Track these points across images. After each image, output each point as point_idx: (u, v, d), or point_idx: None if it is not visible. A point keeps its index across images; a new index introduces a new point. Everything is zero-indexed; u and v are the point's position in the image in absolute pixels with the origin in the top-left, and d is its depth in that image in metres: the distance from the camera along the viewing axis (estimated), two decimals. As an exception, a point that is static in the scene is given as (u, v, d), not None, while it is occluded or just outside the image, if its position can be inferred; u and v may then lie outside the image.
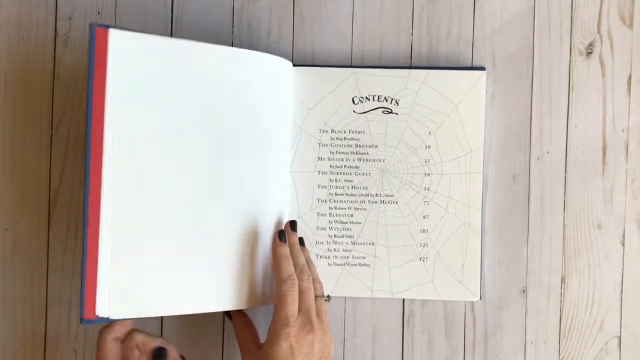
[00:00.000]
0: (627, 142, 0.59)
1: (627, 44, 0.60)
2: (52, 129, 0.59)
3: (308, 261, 0.55)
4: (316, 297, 0.53)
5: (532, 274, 0.59)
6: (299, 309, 0.51)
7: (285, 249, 0.53)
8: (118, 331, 0.49)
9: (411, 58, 0.59)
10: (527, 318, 0.59)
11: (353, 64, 0.59)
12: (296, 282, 0.51)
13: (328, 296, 0.54)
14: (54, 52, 0.59)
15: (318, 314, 0.52)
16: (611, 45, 0.59)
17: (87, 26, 0.59)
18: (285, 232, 0.54)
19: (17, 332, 0.58)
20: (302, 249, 0.55)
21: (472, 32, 0.59)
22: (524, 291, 0.59)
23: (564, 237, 0.59)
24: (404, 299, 0.59)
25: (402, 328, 0.59)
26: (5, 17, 0.59)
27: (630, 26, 0.60)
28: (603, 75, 0.59)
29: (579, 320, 0.59)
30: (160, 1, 0.59)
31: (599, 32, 0.59)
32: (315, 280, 0.54)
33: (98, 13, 0.59)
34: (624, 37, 0.59)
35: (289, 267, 0.52)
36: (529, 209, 0.59)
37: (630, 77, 0.59)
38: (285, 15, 0.59)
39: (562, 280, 0.59)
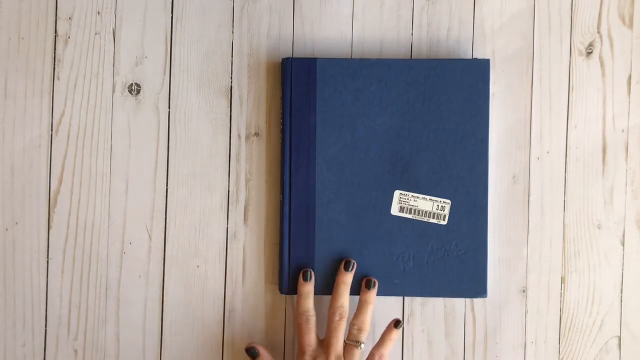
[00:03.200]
0: (627, 142, 0.59)
1: (627, 44, 0.60)
2: (52, 129, 0.59)
3: (364, 305, 0.55)
4: (348, 341, 0.55)
5: (532, 274, 0.59)
6: (324, 344, 0.55)
7: (305, 287, 0.56)
8: None
9: (411, 58, 0.59)
10: (527, 318, 0.59)
11: (353, 64, 0.59)
12: (311, 318, 0.55)
13: (361, 343, 0.55)
14: (54, 52, 0.59)
15: (345, 356, 0.54)
16: (611, 45, 0.59)
17: (87, 26, 0.59)
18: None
19: (17, 331, 0.58)
20: (366, 292, 0.56)
21: (472, 32, 0.59)
22: (524, 291, 0.59)
23: (564, 237, 0.59)
24: (404, 299, 0.59)
25: (402, 328, 0.59)
26: (5, 17, 0.59)
27: (630, 26, 0.60)
28: (603, 75, 0.59)
29: (579, 320, 0.59)
30: (160, 1, 0.59)
31: (599, 32, 0.59)
32: (355, 325, 0.55)
33: (98, 13, 0.59)
34: (624, 37, 0.59)
35: (306, 304, 0.55)
36: (529, 209, 0.59)
37: (630, 77, 0.59)
38: (285, 15, 0.59)
39: (562, 280, 0.59)
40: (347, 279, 0.56)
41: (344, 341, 0.55)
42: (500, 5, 0.59)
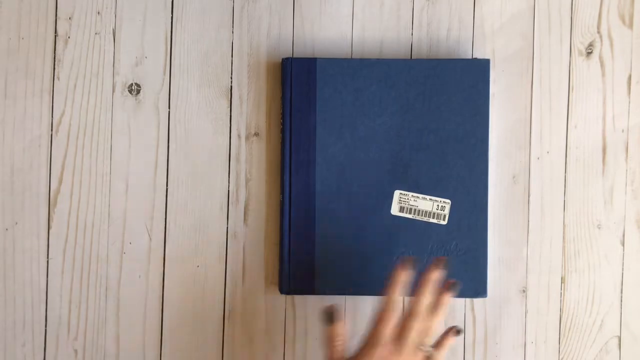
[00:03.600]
0: (627, 142, 0.59)
1: (627, 44, 0.60)
2: (52, 129, 0.59)
3: (438, 307, 0.51)
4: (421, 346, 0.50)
5: (532, 274, 0.59)
6: (399, 337, 0.49)
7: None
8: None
9: (411, 58, 0.59)
10: (527, 318, 0.59)
11: (353, 64, 0.59)
12: (398, 308, 0.50)
13: (429, 348, 0.50)
14: (54, 52, 0.59)
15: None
16: (611, 45, 0.59)
17: (87, 26, 0.59)
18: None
19: (17, 331, 0.58)
20: (443, 294, 0.51)
21: (472, 32, 0.59)
22: (524, 291, 0.59)
23: (564, 237, 0.59)
24: (404, 299, 0.59)
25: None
26: (5, 17, 0.59)
27: (630, 26, 0.60)
28: (603, 75, 0.59)
29: (579, 320, 0.59)
30: (160, 1, 0.59)
31: (599, 32, 0.59)
32: (424, 331, 0.50)
33: (98, 13, 0.59)
34: (624, 37, 0.59)
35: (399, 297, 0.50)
36: (529, 209, 0.59)
37: (630, 77, 0.59)
38: (285, 15, 0.59)
39: (562, 280, 0.59)
40: (430, 276, 0.51)
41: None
42: (500, 5, 0.59)
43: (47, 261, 0.59)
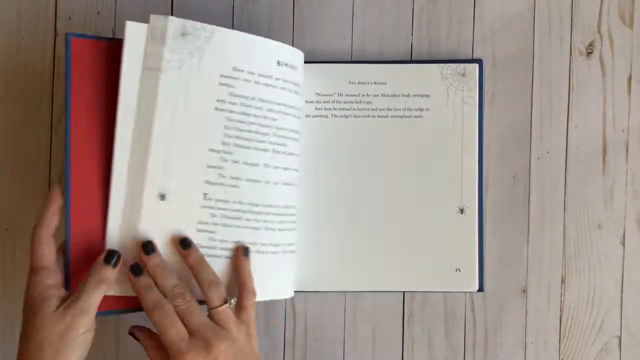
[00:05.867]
0: (627, 142, 0.59)
1: (627, 43, 0.60)
2: (52, 129, 0.59)
3: (197, 265, 0.49)
4: (211, 308, 0.47)
5: (532, 274, 0.59)
6: (189, 332, 0.46)
7: (138, 281, 0.47)
8: (51, 224, 0.47)
9: (411, 58, 0.59)
10: (527, 318, 0.59)
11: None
12: (166, 307, 0.46)
13: (230, 300, 0.48)
14: (54, 52, 0.59)
15: (222, 324, 0.47)
16: (611, 45, 0.59)
17: (87, 26, 0.59)
18: (140, 265, 0.48)
19: (17, 331, 0.58)
20: (188, 251, 0.49)
21: (472, 32, 0.59)
22: (524, 291, 0.59)
23: (564, 237, 0.59)
24: (404, 299, 0.59)
25: (402, 328, 0.59)
26: (5, 17, 0.59)
27: (630, 26, 0.60)
28: (603, 75, 0.59)
29: (579, 320, 0.59)
30: (160, 1, 0.59)
31: (599, 32, 0.59)
32: (210, 287, 0.48)
33: (98, 13, 0.59)
34: (624, 37, 0.59)
35: (151, 296, 0.47)
36: (529, 209, 0.59)
37: (630, 77, 0.59)
38: (285, 15, 0.59)
39: (562, 280, 0.59)
40: (156, 260, 0.48)
41: (209, 311, 0.47)
42: (500, 5, 0.59)
43: (47, 261, 0.58)
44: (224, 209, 0.50)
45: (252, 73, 0.51)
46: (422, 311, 0.59)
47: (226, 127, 0.50)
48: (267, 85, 0.52)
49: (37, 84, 0.59)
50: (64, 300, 0.46)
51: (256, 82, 0.51)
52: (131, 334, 0.50)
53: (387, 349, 0.59)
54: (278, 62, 0.52)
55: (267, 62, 0.52)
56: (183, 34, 0.49)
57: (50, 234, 0.47)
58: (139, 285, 0.47)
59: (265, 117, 0.51)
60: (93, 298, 0.46)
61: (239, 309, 0.49)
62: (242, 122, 0.51)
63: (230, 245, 0.51)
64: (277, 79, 0.52)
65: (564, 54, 0.59)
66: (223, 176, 0.50)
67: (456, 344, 0.59)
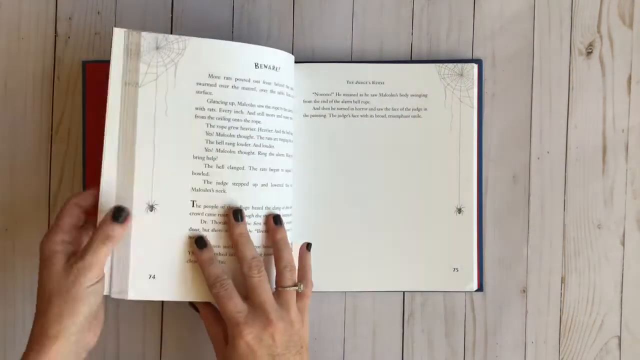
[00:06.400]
0: (627, 142, 0.59)
1: (627, 43, 0.60)
2: (52, 129, 0.59)
3: (280, 242, 0.51)
4: (282, 287, 0.50)
5: (532, 274, 0.59)
6: (251, 305, 0.48)
7: (202, 255, 0.50)
8: (83, 199, 0.50)
9: (411, 58, 0.59)
10: (527, 318, 0.59)
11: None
12: (226, 282, 0.49)
13: (299, 285, 0.51)
14: (54, 52, 0.59)
15: (283, 304, 0.49)
16: (611, 45, 0.59)
17: (87, 26, 0.59)
18: (204, 238, 0.50)
19: (17, 331, 0.59)
20: (279, 227, 0.52)
21: (472, 32, 0.59)
22: (524, 291, 0.59)
23: (564, 237, 0.59)
24: (404, 299, 0.59)
25: (402, 328, 0.59)
26: (5, 17, 0.59)
27: (630, 26, 0.60)
28: (603, 75, 0.59)
29: (579, 320, 0.59)
30: (160, 1, 0.59)
31: (599, 32, 0.59)
32: (286, 267, 0.50)
33: (98, 13, 0.59)
34: (624, 37, 0.59)
35: (213, 269, 0.49)
36: (529, 209, 0.59)
37: (630, 77, 0.59)
38: (285, 15, 0.59)
39: (562, 280, 0.59)
40: (242, 229, 0.50)
41: (278, 289, 0.50)
42: (500, 5, 0.59)
43: (47, 261, 0.58)
44: (214, 215, 0.51)
45: (229, 78, 0.51)
46: (422, 311, 0.59)
47: (207, 134, 0.51)
48: (245, 88, 0.52)
49: (37, 85, 0.59)
50: (72, 255, 0.47)
51: (234, 87, 0.52)
52: (192, 304, 0.53)
53: (387, 349, 0.59)
54: (256, 65, 0.52)
55: (244, 66, 0.52)
56: (157, 48, 0.50)
57: (78, 207, 0.49)
58: (203, 259, 0.50)
59: (246, 120, 0.52)
60: (99, 254, 0.47)
61: (299, 296, 0.51)
62: (223, 127, 0.51)
63: (223, 251, 0.51)
64: (256, 81, 0.52)
65: (563, 54, 0.59)
66: (209, 182, 0.51)
67: (456, 344, 0.59)
